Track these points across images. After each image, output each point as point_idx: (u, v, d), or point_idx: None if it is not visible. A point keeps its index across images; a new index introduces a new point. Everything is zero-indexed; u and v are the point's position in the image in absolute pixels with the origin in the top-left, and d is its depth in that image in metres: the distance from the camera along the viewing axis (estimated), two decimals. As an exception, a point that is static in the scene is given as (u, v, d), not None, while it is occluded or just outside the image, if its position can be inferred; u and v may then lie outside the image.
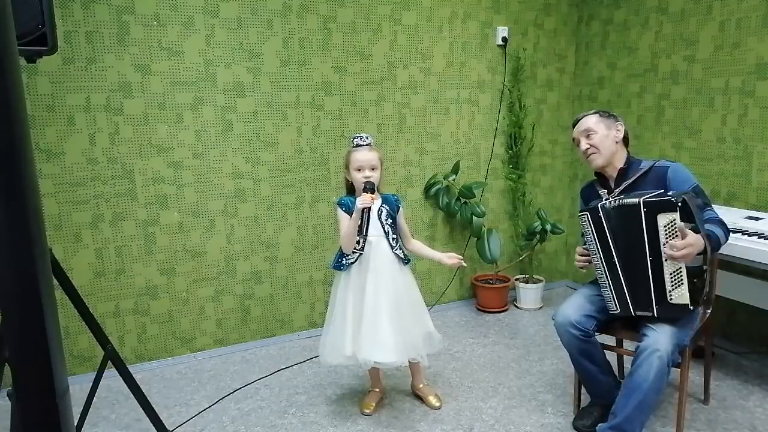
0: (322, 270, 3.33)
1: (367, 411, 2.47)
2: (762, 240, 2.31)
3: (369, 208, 2.16)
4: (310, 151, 3.19)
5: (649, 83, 3.35)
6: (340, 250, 2.32)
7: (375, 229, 2.26)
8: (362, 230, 2.17)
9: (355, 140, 2.27)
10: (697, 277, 2.06)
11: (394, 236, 2.33)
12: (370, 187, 2.17)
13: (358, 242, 2.23)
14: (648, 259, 1.94)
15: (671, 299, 1.95)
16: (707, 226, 1.98)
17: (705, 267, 2.19)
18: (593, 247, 2.10)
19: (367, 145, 2.27)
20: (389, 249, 2.30)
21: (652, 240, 1.91)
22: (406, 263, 2.37)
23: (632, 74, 3.46)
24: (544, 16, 3.74)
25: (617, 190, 2.18)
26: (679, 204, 1.84)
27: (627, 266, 2.03)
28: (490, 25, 3.57)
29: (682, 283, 1.92)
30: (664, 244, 1.89)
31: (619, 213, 1.99)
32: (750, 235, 2.36)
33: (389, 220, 2.31)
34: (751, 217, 2.59)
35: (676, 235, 1.86)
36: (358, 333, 2.24)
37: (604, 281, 2.11)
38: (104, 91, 2.70)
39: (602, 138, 2.18)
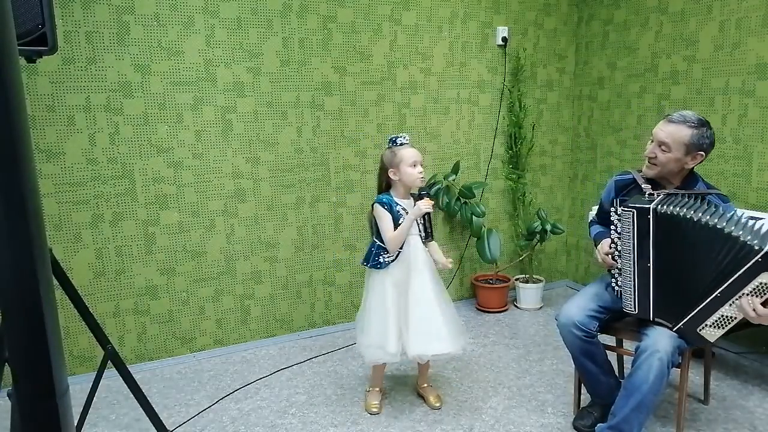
0: (322, 270, 3.33)
1: (374, 410, 2.47)
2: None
3: (430, 212, 2.29)
4: (310, 151, 3.19)
5: (649, 83, 3.35)
6: (375, 248, 2.36)
7: (414, 227, 2.34)
8: (428, 232, 2.30)
9: (399, 140, 2.34)
10: (739, 326, 1.94)
11: (424, 234, 2.39)
12: (426, 192, 2.29)
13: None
14: (716, 293, 1.81)
15: (700, 331, 1.89)
16: None
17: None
18: (628, 246, 2.01)
19: (409, 142, 2.35)
20: (423, 246, 2.38)
21: (738, 284, 1.76)
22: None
23: (632, 74, 3.46)
24: (544, 16, 3.74)
25: (663, 192, 2.05)
26: None
27: (663, 276, 1.96)
28: (490, 25, 3.57)
29: (724, 328, 1.86)
30: (745, 294, 1.76)
31: (694, 228, 1.85)
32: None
33: (421, 219, 2.36)
34: (751, 217, 2.58)
35: (763, 296, 1.75)
36: (406, 329, 2.29)
37: (629, 281, 2.05)
38: (104, 91, 2.70)
39: (671, 160, 2.01)
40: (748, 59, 2.80)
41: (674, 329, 1.96)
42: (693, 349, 2.08)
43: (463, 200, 3.53)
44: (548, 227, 3.50)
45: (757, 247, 1.71)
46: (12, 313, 0.71)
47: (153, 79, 2.78)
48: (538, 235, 3.56)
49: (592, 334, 2.15)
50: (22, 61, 1.21)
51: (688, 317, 1.91)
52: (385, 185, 2.38)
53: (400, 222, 2.29)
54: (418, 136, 3.47)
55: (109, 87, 2.71)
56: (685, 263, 1.90)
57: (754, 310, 1.74)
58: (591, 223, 2.49)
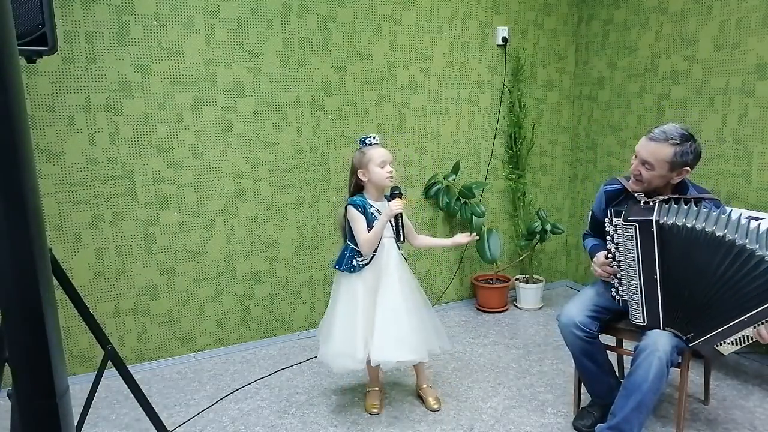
0: (322, 270, 3.33)
1: (375, 411, 2.47)
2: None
3: (401, 213, 2.25)
4: (310, 151, 3.19)
5: (649, 83, 3.35)
6: (348, 251, 2.32)
7: (387, 230, 2.31)
8: (399, 234, 2.25)
9: (368, 140, 2.31)
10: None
11: (396, 235, 2.35)
12: (398, 192, 2.25)
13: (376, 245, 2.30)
14: (743, 317, 1.79)
15: (718, 347, 1.89)
16: None
17: None
18: (631, 259, 1.98)
19: (378, 143, 2.33)
20: (396, 249, 2.35)
21: (766, 312, 1.75)
22: (405, 260, 2.42)
23: (632, 74, 3.46)
24: (544, 16, 3.74)
25: (659, 199, 2.03)
26: None
27: (671, 287, 1.94)
28: (490, 25, 3.57)
29: (740, 345, 1.86)
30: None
31: (701, 238, 1.83)
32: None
33: (393, 220, 2.33)
34: (751, 217, 2.59)
35: None
36: (370, 335, 2.25)
37: (635, 294, 2.02)
38: (104, 91, 2.70)
39: (655, 177, 2.00)
40: (748, 59, 2.80)
41: (691, 344, 1.94)
42: (693, 349, 2.07)
43: (463, 200, 3.53)
44: (548, 227, 3.50)
45: None
46: (12, 313, 0.71)
47: (153, 79, 2.78)
48: (538, 235, 3.56)
49: (593, 334, 2.15)
50: (22, 61, 1.21)
51: (709, 335, 1.88)
52: (356, 187, 2.35)
53: (374, 224, 2.26)
54: (418, 136, 3.47)
55: (109, 87, 2.71)
56: (695, 272, 1.88)
57: None
58: (585, 236, 2.45)
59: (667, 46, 3.21)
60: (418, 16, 3.35)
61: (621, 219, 1.98)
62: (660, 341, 1.94)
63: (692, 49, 3.07)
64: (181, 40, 2.80)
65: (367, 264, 2.30)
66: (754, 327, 1.80)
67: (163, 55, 2.78)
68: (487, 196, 3.76)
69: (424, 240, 2.54)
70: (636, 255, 1.97)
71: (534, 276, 3.80)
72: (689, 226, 1.85)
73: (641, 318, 2.04)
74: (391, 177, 2.27)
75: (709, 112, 3.02)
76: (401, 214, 2.24)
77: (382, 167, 2.25)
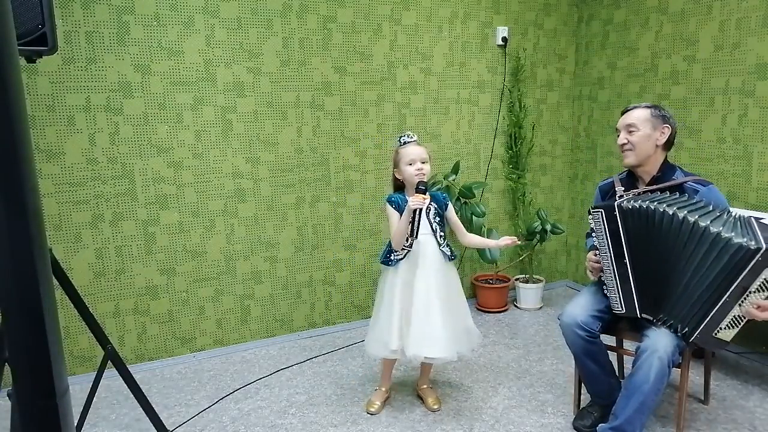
0: (322, 270, 3.33)
1: (373, 410, 2.47)
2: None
3: (421, 209, 2.21)
4: (310, 151, 3.19)
5: (649, 83, 3.35)
6: (389, 245, 2.37)
7: (424, 227, 2.30)
8: (413, 230, 2.22)
9: (403, 138, 2.34)
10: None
11: (442, 234, 2.37)
12: (422, 188, 2.22)
13: (406, 240, 2.30)
14: (725, 298, 1.82)
15: (716, 334, 1.90)
16: None
17: None
18: (604, 247, 2.06)
19: (413, 141, 2.34)
20: (437, 246, 2.35)
21: (743, 283, 1.78)
22: (452, 259, 2.40)
23: (632, 74, 3.46)
24: (544, 16, 3.74)
25: (633, 192, 2.13)
26: None
27: (643, 271, 1.99)
28: (490, 25, 3.57)
29: (737, 326, 1.87)
30: (751, 292, 1.79)
31: (664, 219, 1.90)
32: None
33: (437, 218, 2.35)
34: (750, 217, 2.59)
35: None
36: (407, 329, 2.29)
37: (611, 282, 2.07)
38: (104, 91, 2.70)
39: (642, 138, 2.12)
40: (748, 59, 2.80)
41: (691, 339, 1.95)
42: (693, 349, 2.08)
43: (463, 200, 3.53)
44: (548, 227, 3.50)
45: (754, 247, 1.75)
46: (12, 313, 0.71)
47: (153, 79, 2.78)
48: (538, 235, 3.56)
49: (594, 334, 2.15)
50: (22, 61, 1.21)
51: (702, 326, 1.90)
52: (398, 185, 2.39)
53: (413, 222, 2.26)
54: (418, 136, 3.45)
55: (109, 87, 2.71)
56: (665, 255, 1.93)
57: (758, 307, 1.79)
58: (588, 234, 2.48)
59: (667, 46, 3.21)
60: (418, 16, 3.35)
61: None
62: (661, 342, 1.94)
63: (692, 49, 3.07)
64: (181, 40, 2.80)
65: (401, 259, 2.33)
66: (739, 305, 1.83)
67: (163, 55, 2.78)
68: (487, 196, 3.76)
69: (472, 238, 2.50)
70: (606, 242, 2.05)
71: (534, 276, 3.80)
72: (646, 207, 1.93)
73: (619, 305, 2.09)
74: (421, 174, 2.27)
75: (709, 112, 3.02)
76: (420, 210, 2.20)
77: (411, 165, 2.27)
